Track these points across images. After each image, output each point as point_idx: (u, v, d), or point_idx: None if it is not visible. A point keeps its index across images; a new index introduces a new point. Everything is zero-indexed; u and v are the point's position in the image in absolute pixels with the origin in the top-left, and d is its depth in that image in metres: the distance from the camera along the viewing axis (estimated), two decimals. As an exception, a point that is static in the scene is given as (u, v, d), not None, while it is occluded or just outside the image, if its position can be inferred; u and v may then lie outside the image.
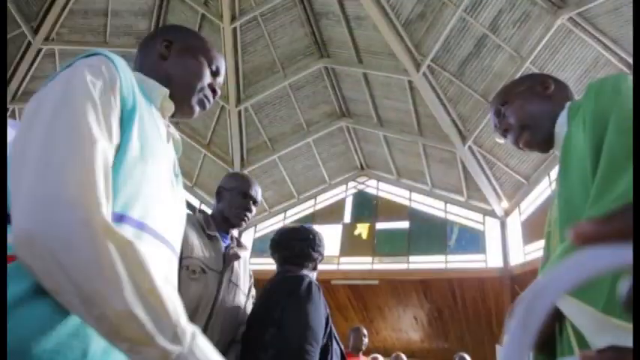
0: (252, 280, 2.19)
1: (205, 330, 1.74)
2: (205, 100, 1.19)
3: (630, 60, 7.89)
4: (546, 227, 1.19)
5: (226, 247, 2.03)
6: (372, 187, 13.34)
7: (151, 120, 0.98)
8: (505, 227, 11.18)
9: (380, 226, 12.77)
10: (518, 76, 8.96)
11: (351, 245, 12.59)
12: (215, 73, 1.21)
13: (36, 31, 9.70)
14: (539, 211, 10.12)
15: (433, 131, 10.70)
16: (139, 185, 0.86)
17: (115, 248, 0.68)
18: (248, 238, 13.44)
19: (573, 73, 8.59)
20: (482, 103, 9.71)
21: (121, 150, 0.85)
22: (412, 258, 11.84)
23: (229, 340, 1.92)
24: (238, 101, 11.12)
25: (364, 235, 12.77)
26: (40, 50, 9.90)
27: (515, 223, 11.10)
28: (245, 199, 2.10)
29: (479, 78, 9.56)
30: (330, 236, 12.74)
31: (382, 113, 11.32)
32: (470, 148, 10.41)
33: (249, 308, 2.08)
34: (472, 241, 11.64)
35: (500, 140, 1.42)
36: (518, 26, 8.57)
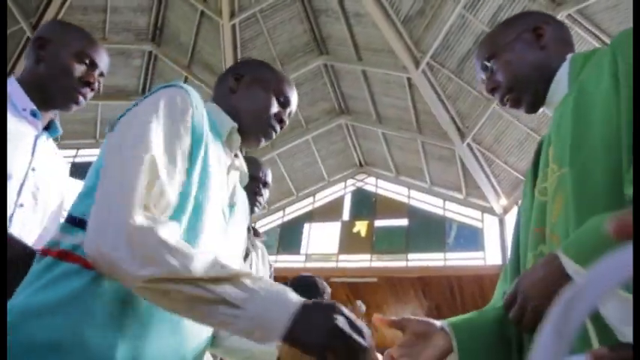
0: (272, 269, 2.05)
1: None
2: (271, 131, 1.21)
3: (629, 57, 7.88)
4: (537, 196, 1.03)
5: None
6: (371, 184, 13.34)
7: (215, 152, 1.03)
8: (504, 225, 11.19)
9: (379, 223, 12.77)
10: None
11: (349, 243, 12.59)
12: (283, 104, 1.23)
13: (35, 27, 9.66)
14: (537, 208, 10.10)
15: (432, 128, 10.69)
16: (192, 218, 0.93)
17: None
18: (247, 235, 13.41)
19: (572, 71, 8.59)
20: (482, 101, 9.70)
21: (187, 179, 0.92)
22: (411, 255, 11.84)
23: None
24: (237, 98, 11.09)
25: (363, 233, 12.77)
26: (38, 46, 9.87)
27: (513, 220, 11.07)
28: (253, 182, 1.95)
29: (478, 75, 9.54)
30: (328, 234, 12.76)
31: (381, 110, 11.30)
32: (469, 145, 10.40)
33: None
34: (471, 238, 11.65)
35: (488, 94, 1.23)
36: (518, 23, 8.55)
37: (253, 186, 1.98)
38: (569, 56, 1.07)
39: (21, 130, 1.14)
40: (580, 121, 0.90)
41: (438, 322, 0.97)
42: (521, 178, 10.56)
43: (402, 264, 11.77)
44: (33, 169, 1.13)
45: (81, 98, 1.27)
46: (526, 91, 1.10)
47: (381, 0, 8.99)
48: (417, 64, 9.55)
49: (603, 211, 0.77)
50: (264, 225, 13.55)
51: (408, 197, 12.68)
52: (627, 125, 0.79)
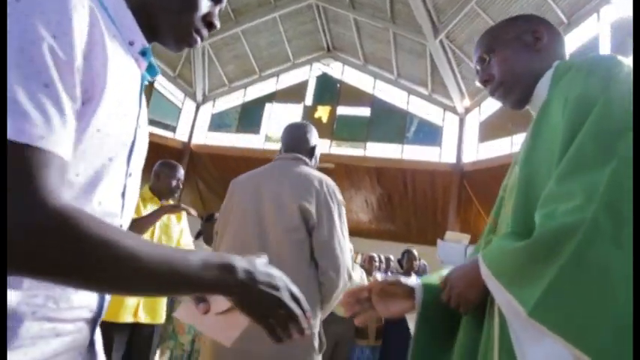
0: None
1: None
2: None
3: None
4: (501, 192, 1.18)
5: None
6: (337, 70, 13.15)
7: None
8: (463, 124, 11.39)
9: (341, 110, 12.77)
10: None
11: (310, 128, 12.63)
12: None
13: None
14: (498, 112, 10.28)
15: (406, 20, 10.41)
16: None
17: None
18: (206, 112, 13.24)
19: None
20: (460, -5, 9.42)
21: None
22: (369, 145, 12.04)
23: None
24: (205, -37, 10.39)
25: (324, 119, 12.79)
26: None
27: (473, 121, 11.29)
28: None
29: (460, -33, 9.18)
30: (289, 116, 12.72)
31: (356, -6, 10.86)
32: (441, 42, 10.24)
33: None
34: (430, 134, 11.86)
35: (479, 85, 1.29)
36: None
37: None
38: (555, 63, 1.14)
39: (131, 72, 0.79)
40: (535, 134, 1.01)
41: (410, 282, 1.20)
42: (487, 79, 10.62)
43: (360, 152, 11.99)
44: (139, 127, 0.81)
45: (199, 41, 0.89)
46: (514, 89, 1.18)
47: None
48: (398, -54, 9.06)
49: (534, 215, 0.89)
50: (224, 103, 13.34)
51: (373, 87, 12.61)
52: (561, 150, 0.89)
